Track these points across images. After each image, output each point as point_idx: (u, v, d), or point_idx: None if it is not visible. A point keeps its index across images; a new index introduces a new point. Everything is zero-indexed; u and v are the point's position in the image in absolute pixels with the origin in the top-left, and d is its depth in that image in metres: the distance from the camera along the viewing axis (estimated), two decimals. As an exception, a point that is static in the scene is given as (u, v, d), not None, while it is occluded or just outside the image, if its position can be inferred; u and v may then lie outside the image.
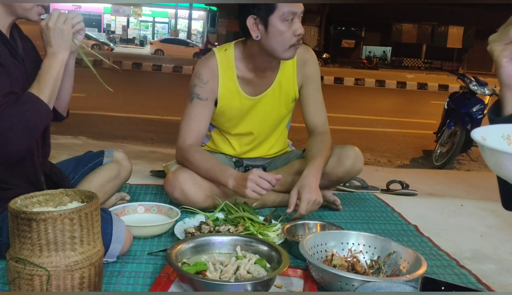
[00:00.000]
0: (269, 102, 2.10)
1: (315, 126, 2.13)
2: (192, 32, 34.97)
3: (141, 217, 1.88)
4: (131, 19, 39.41)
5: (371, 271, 1.46)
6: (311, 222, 1.84)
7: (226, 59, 2.02)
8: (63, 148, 3.05)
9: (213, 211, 1.89)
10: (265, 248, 1.46)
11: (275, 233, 1.74)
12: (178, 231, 1.72)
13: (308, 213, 1.86)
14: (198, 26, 38.44)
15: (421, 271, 1.35)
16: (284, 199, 2.17)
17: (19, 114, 1.34)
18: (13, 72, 1.42)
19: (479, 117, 4.59)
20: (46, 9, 1.51)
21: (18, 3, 1.42)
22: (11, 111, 1.33)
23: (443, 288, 1.35)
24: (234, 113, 2.09)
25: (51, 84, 1.43)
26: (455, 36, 29.25)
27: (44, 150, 1.62)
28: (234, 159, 2.23)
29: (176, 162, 2.11)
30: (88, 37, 26.78)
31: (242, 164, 2.23)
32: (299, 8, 1.84)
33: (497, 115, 1.04)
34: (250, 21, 1.87)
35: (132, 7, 37.07)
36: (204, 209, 1.97)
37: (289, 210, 1.86)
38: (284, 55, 1.91)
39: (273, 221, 1.86)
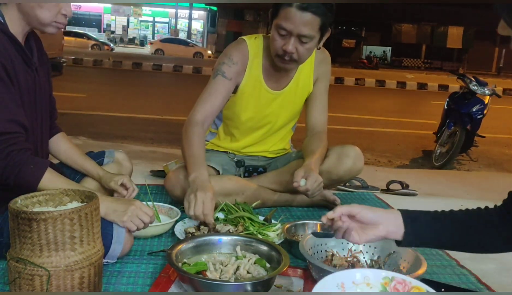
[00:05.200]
0: (286, 99, 2.13)
1: (315, 124, 2.16)
2: (192, 32, 35.00)
3: (141, 217, 1.87)
4: (131, 19, 39.43)
5: (371, 271, 1.46)
6: (311, 222, 1.84)
7: (256, 47, 2.07)
8: (63, 148, 3.05)
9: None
10: (265, 248, 1.46)
11: (275, 233, 1.74)
12: (178, 231, 1.73)
13: (313, 192, 1.85)
14: (198, 26, 38.47)
15: (421, 271, 1.35)
16: (284, 198, 2.18)
17: (14, 164, 1.33)
18: (23, 81, 1.41)
19: (479, 117, 4.58)
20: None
21: (32, 3, 1.40)
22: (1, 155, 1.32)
23: (443, 289, 1.35)
24: (251, 103, 2.10)
25: (56, 186, 1.39)
26: (455, 36, 29.27)
27: (45, 150, 1.62)
28: (236, 159, 2.24)
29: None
30: (88, 37, 26.82)
31: (243, 165, 2.23)
32: (294, 28, 1.81)
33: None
34: (270, 14, 1.93)
35: (132, 7, 37.09)
36: None
37: (296, 183, 1.82)
38: (274, 59, 1.96)
39: (273, 221, 1.86)
